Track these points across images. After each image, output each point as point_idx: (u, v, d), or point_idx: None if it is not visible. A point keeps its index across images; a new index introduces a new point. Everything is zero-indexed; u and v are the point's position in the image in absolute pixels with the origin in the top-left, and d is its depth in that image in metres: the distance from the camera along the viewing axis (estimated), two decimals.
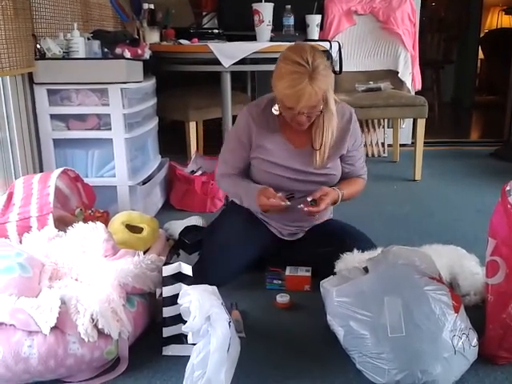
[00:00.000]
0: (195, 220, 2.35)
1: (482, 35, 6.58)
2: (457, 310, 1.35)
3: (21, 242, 1.75)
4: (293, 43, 1.78)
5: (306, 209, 1.76)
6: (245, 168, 1.92)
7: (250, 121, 1.83)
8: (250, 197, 1.84)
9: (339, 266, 1.72)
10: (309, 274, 1.87)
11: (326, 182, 1.87)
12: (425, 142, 3.23)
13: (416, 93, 3.64)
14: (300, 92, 1.61)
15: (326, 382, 1.38)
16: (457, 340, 1.30)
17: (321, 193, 1.79)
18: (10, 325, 1.31)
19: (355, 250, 1.74)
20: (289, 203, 1.76)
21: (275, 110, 1.77)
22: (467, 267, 1.77)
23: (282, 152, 1.84)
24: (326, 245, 1.88)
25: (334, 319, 1.46)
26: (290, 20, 2.82)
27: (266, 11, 2.69)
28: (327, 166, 1.85)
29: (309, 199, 1.78)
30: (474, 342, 1.36)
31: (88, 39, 2.38)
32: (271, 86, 1.71)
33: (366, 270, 1.60)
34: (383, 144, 3.95)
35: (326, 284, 1.57)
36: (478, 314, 1.51)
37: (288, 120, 1.77)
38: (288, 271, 1.89)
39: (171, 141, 3.20)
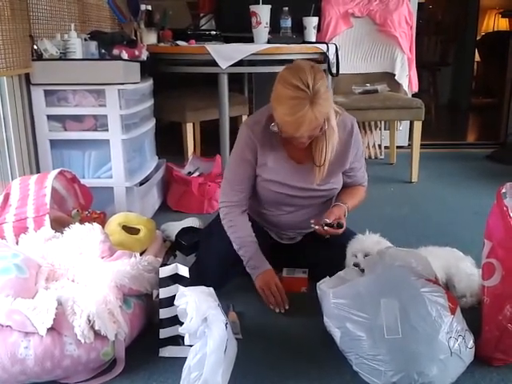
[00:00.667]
0: (192, 221, 2.35)
1: (478, 38, 6.60)
2: (453, 312, 1.36)
3: (17, 243, 1.74)
4: (291, 64, 1.67)
5: (325, 229, 1.74)
6: (249, 189, 1.83)
7: (253, 138, 1.76)
8: (253, 267, 1.80)
9: (354, 246, 1.73)
10: (306, 275, 1.87)
11: (327, 195, 1.87)
12: (421, 144, 3.24)
13: (413, 95, 3.65)
14: (300, 119, 1.55)
15: (323, 383, 1.38)
16: (453, 342, 1.31)
17: (334, 217, 1.77)
18: (7, 326, 1.31)
19: (367, 231, 1.76)
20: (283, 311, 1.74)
21: (273, 127, 1.69)
22: (463, 269, 1.78)
23: (283, 169, 1.79)
24: (324, 249, 1.88)
25: (331, 321, 1.46)
26: (287, 22, 2.83)
27: (263, 13, 2.70)
28: (330, 182, 1.83)
29: (328, 221, 1.75)
30: (471, 343, 1.36)
31: (85, 40, 2.38)
32: (271, 105, 1.64)
33: (362, 271, 1.60)
34: (380, 146, 3.96)
35: (323, 286, 1.57)
36: (474, 315, 1.51)
37: (287, 138, 1.70)
38: (285, 273, 1.89)
39: (168, 142, 3.20)
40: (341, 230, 1.76)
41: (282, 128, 1.64)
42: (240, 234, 1.82)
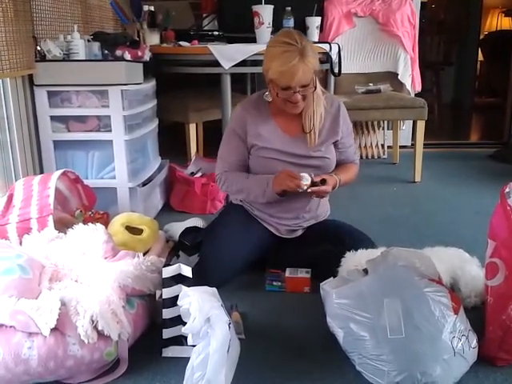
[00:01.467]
0: (195, 221, 2.35)
1: (481, 37, 6.59)
2: (456, 312, 1.35)
3: (21, 244, 1.75)
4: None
5: (310, 189, 1.79)
6: (243, 163, 1.94)
7: (244, 112, 1.90)
8: (261, 183, 1.87)
9: (342, 268, 1.72)
10: (308, 275, 1.87)
11: (321, 165, 1.91)
12: (424, 144, 3.24)
13: (416, 95, 3.65)
14: (294, 68, 1.69)
15: (326, 383, 1.38)
16: (456, 341, 1.30)
17: (323, 176, 1.84)
18: (10, 326, 1.31)
19: (357, 251, 1.76)
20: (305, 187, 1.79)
21: (267, 96, 1.85)
22: (468, 271, 1.76)
23: (276, 139, 1.90)
24: (325, 245, 1.89)
25: (334, 321, 1.46)
26: (289, 22, 2.83)
27: (265, 13, 2.70)
28: (321, 149, 1.91)
29: (315, 180, 1.81)
30: (474, 343, 1.36)
31: (88, 41, 2.38)
32: (263, 73, 1.79)
33: (365, 271, 1.60)
34: (383, 146, 3.96)
35: (326, 286, 1.57)
36: (477, 315, 1.51)
37: (281, 105, 1.82)
38: (288, 273, 1.89)
39: (171, 142, 3.20)
40: (324, 187, 1.81)
41: (278, 83, 1.75)
42: (238, 182, 1.92)
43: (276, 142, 1.89)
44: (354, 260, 1.72)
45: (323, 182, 1.82)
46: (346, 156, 2.01)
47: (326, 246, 1.89)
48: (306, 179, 1.79)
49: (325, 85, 3.02)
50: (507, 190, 1.44)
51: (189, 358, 1.29)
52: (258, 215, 1.98)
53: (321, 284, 1.60)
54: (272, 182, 1.84)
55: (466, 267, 1.78)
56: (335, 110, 1.94)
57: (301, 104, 1.80)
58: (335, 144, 1.95)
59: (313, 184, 1.80)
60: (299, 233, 2.01)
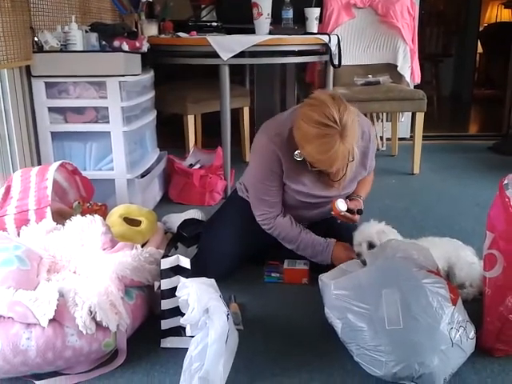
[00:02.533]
0: (194, 213, 2.35)
1: (481, 29, 6.56)
2: (454, 303, 1.36)
3: (19, 235, 1.75)
4: (311, 100, 1.61)
5: (343, 214, 1.79)
6: (280, 198, 1.81)
7: (277, 150, 1.71)
8: (317, 249, 1.82)
9: (359, 235, 1.75)
10: (307, 267, 1.87)
11: (345, 195, 1.89)
12: (423, 136, 3.23)
13: (415, 86, 3.64)
14: (334, 156, 1.54)
15: (324, 373, 1.38)
16: (454, 332, 1.30)
17: (354, 206, 1.84)
18: (8, 317, 1.32)
19: (371, 220, 1.79)
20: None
21: (297, 156, 1.67)
22: (463, 257, 1.78)
23: (305, 179, 1.77)
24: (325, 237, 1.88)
25: (332, 312, 1.47)
26: (288, 13, 2.81)
27: (264, 4, 2.68)
28: (349, 187, 1.87)
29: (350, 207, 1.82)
30: (472, 334, 1.36)
31: (86, 32, 2.36)
32: (296, 140, 1.62)
33: (363, 263, 1.60)
34: (382, 138, 3.95)
35: (324, 277, 1.57)
36: (475, 306, 1.52)
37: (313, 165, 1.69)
38: (286, 264, 1.89)
39: (169, 134, 3.20)
40: (357, 217, 1.80)
41: (315, 164, 1.63)
42: (291, 237, 1.83)
43: (305, 184, 1.78)
44: (365, 233, 1.73)
45: (359, 212, 1.81)
46: (367, 174, 1.95)
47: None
48: (342, 206, 1.78)
49: (324, 77, 3.01)
50: (506, 181, 1.44)
51: (187, 348, 1.30)
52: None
53: (319, 275, 1.60)
54: (332, 256, 1.80)
55: (461, 253, 1.79)
56: (365, 143, 1.78)
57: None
58: None
59: (348, 210, 1.80)
60: None
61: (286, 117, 1.76)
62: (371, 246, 1.69)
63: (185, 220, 2.23)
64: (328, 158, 1.55)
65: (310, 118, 1.54)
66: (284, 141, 1.70)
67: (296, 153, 1.66)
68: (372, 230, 1.73)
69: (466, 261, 1.77)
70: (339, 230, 1.91)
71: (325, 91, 1.67)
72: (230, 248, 1.85)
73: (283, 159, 1.71)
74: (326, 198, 1.83)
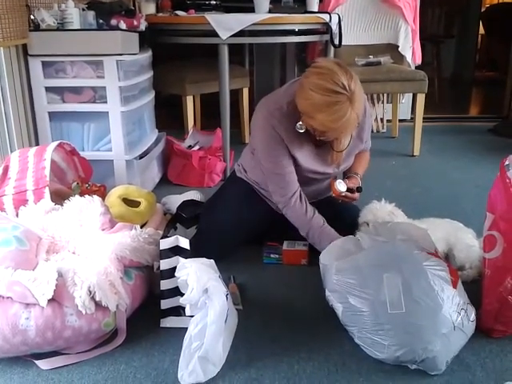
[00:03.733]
0: (193, 194, 2.34)
1: (483, 10, 6.48)
2: (455, 286, 1.35)
3: (17, 216, 1.74)
4: (315, 65, 1.61)
5: (344, 194, 1.78)
6: (295, 175, 1.79)
7: (277, 125, 1.69)
8: (326, 241, 1.76)
9: (366, 215, 1.76)
10: (306, 248, 1.87)
11: (342, 170, 1.90)
12: (424, 118, 3.21)
13: (416, 67, 3.60)
14: (346, 123, 1.55)
15: (322, 353, 1.39)
16: (456, 315, 1.30)
17: (352, 184, 1.84)
18: (7, 297, 1.31)
19: (383, 200, 1.81)
20: None
21: (300, 128, 1.66)
22: (463, 239, 1.78)
23: (304, 154, 1.77)
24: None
25: (333, 295, 1.46)
26: None
27: None
28: (346, 161, 1.86)
29: (350, 186, 1.81)
30: (472, 316, 1.36)
31: (83, 10, 2.33)
32: (300, 110, 1.61)
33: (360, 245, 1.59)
34: (382, 119, 3.93)
35: (324, 259, 1.56)
36: (474, 288, 1.52)
37: (314, 134, 1.68)
38: (285, 245, 1.89)
39: (168, 115, 3.17)
40: (357, 195, 1.80)
41: (327, 133, 1.61)
42: (298, 220, 1.80)
43: (303, 159, 1.77)
44: (375, 214, 1.75)
45: (359, 189, 1.81)
46: (363, 148, 1.95)
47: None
48: (342, 186, 1.78)
49: (325, 57, 2.97)
50: (507, 162, 1.43)
51: (187, 328, 1.30)
52: (262, 192, 1.95)
53: (320, 257, 1.59)
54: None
55: (461, 235, 1.80)
56: (362, 116, 1.72)
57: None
58: None
59: (347, 189, 1.80)
60: None
61: (284, 91, 1.75)
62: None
63: (184, 201, 2.22)
64: (341, 126, 1.55)
65: (320, 87, 1.52)
66: (284, 115, 1.69)
67: (298, 125, 1.65)
68: (383, 211, 1.73)
69: (466, 243, 1.77)
70: (341, 213, 1.91)
71: (328, 59, 1.65)
72: (229, 229, 1.85)
73: (283, 133, 1.70)
74: (324, 174, 1.83)
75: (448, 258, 1.76)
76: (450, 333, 1.29)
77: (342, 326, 1.45)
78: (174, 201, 2.26)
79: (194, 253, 1.50)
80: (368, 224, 1.72)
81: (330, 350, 1.40)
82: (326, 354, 1.39)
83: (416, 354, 1.28)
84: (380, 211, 1.74)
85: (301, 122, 1.65)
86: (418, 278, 1.34)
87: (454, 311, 1.31)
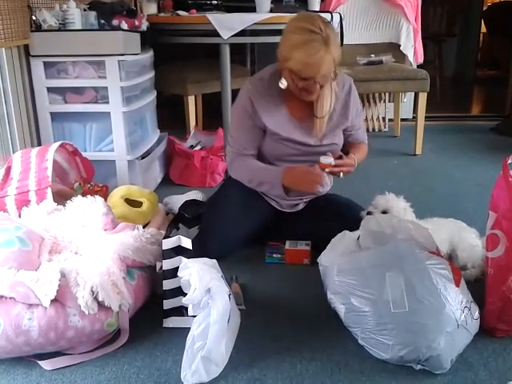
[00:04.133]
0: (195, 194, 2.34)
1: (484, 8, 6.47)
2: (458, 284, 1.35)
3: (20, 216, 1.74)
4: (296, 14, 1.78)
5: (336, 162, 1.77)
6: (255, 143, 1.87)
7: (254, 92, 1.82)
8: (271, 175, 1.83)
9: (379, 201, 1.78)
10: (308, 247, 1.87)
11: (328, 152, 1.87)
12: (426, 117, 3.21)
13: (418, 66, 3.59)
14: (320, 60, 1.62)
15: (325, 353, 1.39)
16: (459, 314, 1.30)
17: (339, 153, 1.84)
18: (10, 298, 1.31)
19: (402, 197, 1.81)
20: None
21: (282, 83, 1.75)
22: (466, 239, 1.78)
23: (285, 124, 1.84)
24: (325, 219, 1.88)
25: (335, 297, 1.46)
26: None
27: None
28: (330, 136, 1.87)
29: (333, 157, 1.79)
30: (476, 314, 1.36)
31: (84, 10, 2.33)
32: (280, 59, 1.71)
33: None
34: (384, 119, 3.93)
35: (324, 261, 1.56)
36: (477, 287, 1.51)
37: (296, 92, 1.76)
38: (287, 245, 1.89)
39: (170, 115, 3.17)
40: (349, 160, 1.80)
41: (303, 72, 1.67)
42: (249, 171, 1.88)
43: (284, 129, 1.83)
44: (391, 205, 1.77)
45: (341, 157, 1.81)
46: (355, 138, 1.98)
47: (326, 220, 1.88)
48: (327, 159, 1.76)
49: None
50: (509, 161, 1.43)
51: (189, 328, 1.30)
52: (260, 191, 1.96)
53: (318, 260, 1.59)
54: (282, 174, 1.80)
55: (464, 235, 1.79)
56: (346, 94, 1.87)
57: (317, 93, 1.75)
58: (344, 129, 1.93)
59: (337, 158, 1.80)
60: (300, 207, 2.00)
61: (269, 66, 1.89)
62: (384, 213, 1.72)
63: (186, 201, 2.22)
64: (315, 62, 1.63)
65: (298, 27, 1.66)
66: (264, 84, 1.83)
67: (280, 81, 1.76)
68: (397, 204, 1.75)
69: (469, 243, 1.76)
70: (343, 211, 1.90)
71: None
72: (231, 228, 1.85)
73: (259, 102, 1.81)
74: (306, 145, 1.86)
75: (451, 257, 1.75)
76: (453, 331, 1.29)
77: (344, 325, 1.45)
78: (176, 201, 2.26)
79: (196, 253, 1.50)
80: (376, 208, 1.73)
81: (333, 350, 1.40)
82: (328, 353, 1.39)
83: (420, 353, 1.27)
84: (394, 202, 1.74)
85: (283, 80, 1.75)
86: (420, 277, 1.33)
87: (457, 309, 1.30)
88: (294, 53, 1.64)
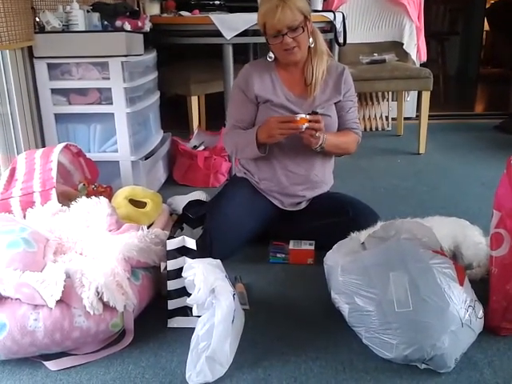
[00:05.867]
0: (198, 195, 2.35)
1: (487, 6, 6.45)
2: (461, 283, 1.35)
3: (25, 217, 1.75)
4: None
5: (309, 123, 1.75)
6: (249, 119, 1.93)
7: (250, 69, 1.93)
8: (249, 135, 1.86)
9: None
10: (312, 247, 1.87)
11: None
12: (429, 116, 3.20)
13: (421, 65, 3.59)
14: (274, 7, 1.73)
15: (330, 352, 1.39)
16: (463, 312, 1.30)
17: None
18: (16, 299, 1.32)
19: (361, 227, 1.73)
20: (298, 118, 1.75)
21: (269, 57, 1.91)
22: (470, 236, 1.77)
23: (279, 92, 1.91)
24: (328, 216, 1.88)
25: (340, 296, 1.45)
26: None
27: None
28: (324, 107, 1.90)
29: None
30: (480, 313, 1.35)
31: (88, 12, 2.34)
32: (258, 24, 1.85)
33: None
34: (387, 117, 3.92)
35: (329, 261, 1.56)
36: (481, 285, 1.51)
37: (280, 56, 1.86)
38: (291, 245, 1.89)
39: (173, 115, 3.18)
40: (317, 116, 1.77)
41: (265, 27, 1.79)
42: (233, 138, 1.95)
43: (280, 97, 1.90)
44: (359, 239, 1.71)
45: (314, 112, 1.79)
46: (344, 120, 1.97)
47: (329, 218, 1.89)
48: (302, 115, 1.75)
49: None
50: None
51: (194, 328, 1.31)
52: (262, 189, 1.97)
53: (324, 259, 1.59)
54: (256, 131, 1.83)
55: (468, 232, 1.79)
56: (339, 72, 1.95)
57: (296, 51, 1.82)
58: (336, 105, 1.94)
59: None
60: (303, 205, 2.00)
61: None
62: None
63: (190, 201, 2.22)
64: (270, 10, 1.74)
65: None
66: (261, 61, 1.97)
67: (269, 54, 1.91)
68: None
69: (473, 241, 1.76)
70: (344, 206, 1.91)
71: None
72: (234, 229, 1.85)
73: (256, 74, 1.91)
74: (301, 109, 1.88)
75: (455, 256, 1.75)
76: (458, 330, 1.29)
77: (347, 324, 1.45)
78: (180, 201, 2.27)
79: (200, 253, 1.50)
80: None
81: (338, 349, 1.40)
82: (333, 353, 1.39)
83: (424, 352, 1.27)
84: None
85: (270, 53, 1.90)
86: (424, 276, 1.33)
87: (461, 308, 1.30)
88: (260, 11, 1.80)
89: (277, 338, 1.45)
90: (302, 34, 1.79)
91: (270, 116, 1.84)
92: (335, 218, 1.84)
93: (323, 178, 2.00)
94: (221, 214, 1.88)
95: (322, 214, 1.91)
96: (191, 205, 2.19)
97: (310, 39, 1.85)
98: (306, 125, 1.74)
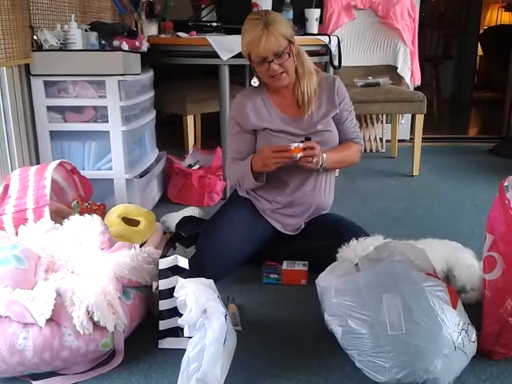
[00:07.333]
0: (191, 211, 2.34)
1: (481, 31, 6.56)
2: (454, 306, 1.35)
3: (17, 234, 1.74)
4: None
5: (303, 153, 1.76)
6: (249, 151, 1.92)
7: (243, 98, 1.93)
8: (245, 165, 1.86)
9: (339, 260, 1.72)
10: (306, 268, 1.87)
11: (324, 141, 1.88)
12: (423, 138, 3.23)
13: (415, 88, 3.63)
14: (258, 36, 1.73)
15: (322, 375, 1.38)
16: (456, 336, 1.29)
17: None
18: (6, 317, 1.30)
19: (352, 241, 1.76)
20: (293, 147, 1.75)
21: (254, 81, 1.94)
22: (463, 259, 1.77)
23: (275, 118, 1.91)
24: (323, 238, 1.88)
25: (333, 318, 1.45)
26: (289, 14, 2.80)
27: (265, 4, 2.67)
28: (322, 123, 1.90)
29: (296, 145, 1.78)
30: (473, 337, 1.35)
31: (85, 31, 2.36)
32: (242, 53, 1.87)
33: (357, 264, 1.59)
34: (381, 139, 3.95)
35: (322, 282, 1.56)
36: (474, 309, 1.51)
37: (269, 83, 1.87)
38: (285, 265, 1.88)
39: (169, 134, 3.19)
40: (311, 142, 1.78)
41: (250, 55, 1.80)
42: (236, 165, 1.94)
43: (277, 123, 1.90)
44: (350, 252, 1.71)
45: (307, 138, 1.80)
46: (343, 131, 1.96)
47: (323, 240, 1.88)
48: (296, 145, 1.75)
49: None
50: (506, 183, 1.43)
51: (185, 349, 1.29)
52: (265, 210, 1.96)
53: (316, 281, 1.59)
54: (251, 161, 1.84)
55: (461, 255, 1.78)
56: (330, 84, 1.94)
57: (284, 76, 1.82)
58: (333, 118, 1.94)
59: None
60: (302, 227, 2.00)
61: None
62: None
63: (183, 218, 2.22)
64: (253, 38, 1.75)
65: (246, 22, 1.81)
66: (251, 90, 1.97)
67: (252, 80, 1.94)
68: (356, 249, 1.72)
69: (465, 263, 1.76)
70: (339, 227, 1.91)
71: None
72: (231, 253, 1.83)
73: (249, 104, 1.91)
74: (299, 135, 1.87)
75: (448, 278, 1.75)
76: (451, 353, 1.28)
77: (341, 347, 1.44)
78: (173, 219, 2.26)
79: (192, 272, 1.49)
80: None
81: (330, 372, 1.39)
82: (325, 376, 1.38)
83: (417, 376, 1.26)
84: (353, 251, 1.72)
85: (254, 78, 1.93)
86: (417, 299, 1.33)
87: (454, 331, 1.29)
88: (244, 40, 1.80)
89: (269, 360, 1.44)
90: (289, 59, 1.79)
91: (270, 142, 1.84)
92: (329, 240, 1.84)
93: (329, 199, 2.01)
94: (218, 235, 1.86)
95: (317, 236, 1.91)
96: (185, 222, 2.19)
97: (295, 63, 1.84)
98: (300, 154, 1.75)
